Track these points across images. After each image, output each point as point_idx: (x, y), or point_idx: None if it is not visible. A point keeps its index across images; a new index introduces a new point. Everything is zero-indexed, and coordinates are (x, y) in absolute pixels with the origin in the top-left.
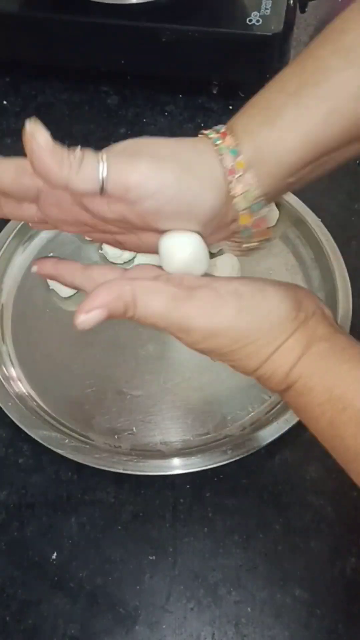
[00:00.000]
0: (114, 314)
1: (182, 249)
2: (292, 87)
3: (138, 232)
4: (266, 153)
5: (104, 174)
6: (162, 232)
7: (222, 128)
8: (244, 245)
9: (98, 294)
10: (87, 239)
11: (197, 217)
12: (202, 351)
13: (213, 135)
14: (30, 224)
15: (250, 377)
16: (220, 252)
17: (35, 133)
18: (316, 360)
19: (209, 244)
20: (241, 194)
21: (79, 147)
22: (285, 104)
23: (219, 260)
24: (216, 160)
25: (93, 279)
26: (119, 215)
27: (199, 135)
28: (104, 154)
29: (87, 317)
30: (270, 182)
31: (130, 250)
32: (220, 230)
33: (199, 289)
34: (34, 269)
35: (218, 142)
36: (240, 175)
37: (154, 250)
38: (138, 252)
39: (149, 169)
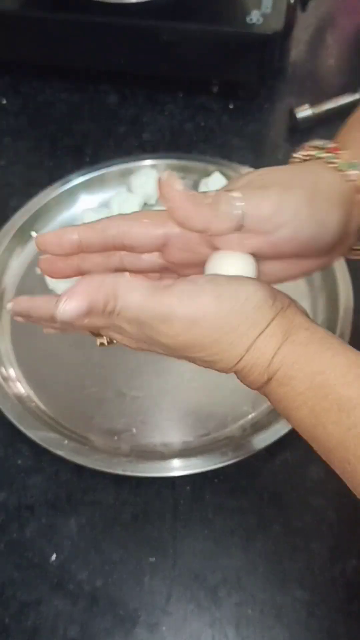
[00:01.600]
0: (95, 306)
1: (226, 269)
2: None
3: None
4: None
5: (243, 209)
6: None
7: (329, 144)
8: None
9: (79, 283)
10: None
11: (329, 237)
12: (183, 345)
13: (323, 155)
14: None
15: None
16: None
17: (172, 182)
18: (297, 348)
19: (329, 263)
20: None
21: (209, 192)
22: None
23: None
24: (337, 177)
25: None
26: (250, 249)
27: (302, 158)
28: (235, 191)
29: (67, 304)
30: None
31: None
32: (344, 244)
33: (177, 282)
34: (9, 306)
35: (335, 160)
36: None
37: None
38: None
39: (280, 198)
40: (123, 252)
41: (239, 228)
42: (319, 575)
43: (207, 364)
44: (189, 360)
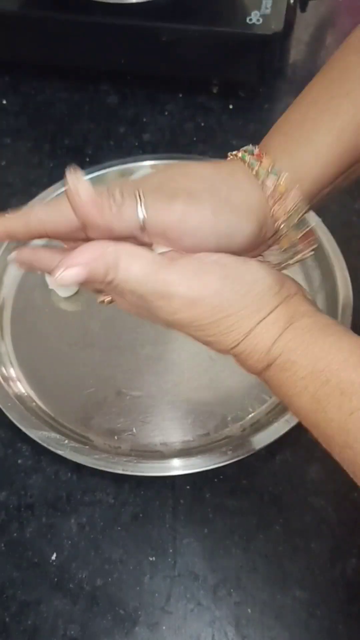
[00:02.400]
0: (95, 275)
1: None
2: (323, 100)
3: None
4: (304, 171)
5: (144, 215)
6: None
7: (256, 149)
8: (291, 261)
9: (80, 251)
10: None
11: (236, 246)
12: (180, 323)
13: (248, 158)
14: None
15: (242, 373)
16: None
17: (78, 187)
18: (299, 334)
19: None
20: (286, 218)
21: (118, 190)
22: (319, 118)
23: None
24: (254, 186)
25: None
26: (163, 247)
27: (230, 157)
28: (141, 194)
29: (66, 273)
30: (310, 197)
31: None
32: (258, 248)
33: (182, 257)
34: (13, 255)
35: (255, 166)
36: (281, 199)
37: None
38: None
39: (185, 209)
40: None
41: (143, 229)
42: (319, 575)
43: (204, 342)
44: (186, 334)
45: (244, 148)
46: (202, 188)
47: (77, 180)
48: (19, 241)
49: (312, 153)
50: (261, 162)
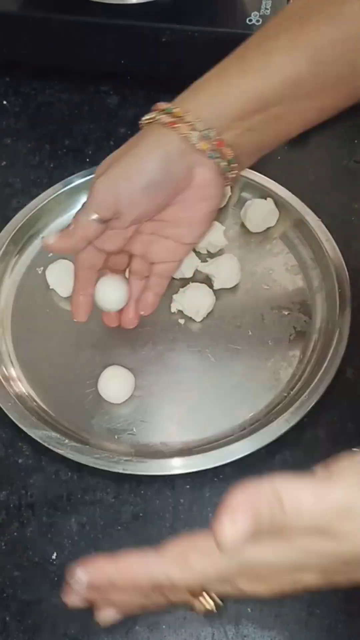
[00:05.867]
0: (260, 520)
1: (104, 290)
2: (236, 52)
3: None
4: (207, 105)
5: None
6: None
7: (174, 108)
8: (229, 175)
9: (234, 495)
10: None
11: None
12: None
13: (168, 119)
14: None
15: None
16: (221, 252)
17: (49, 243)
18: None
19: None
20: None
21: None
22: (230, 66)
23: (219, 260)
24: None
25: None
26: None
27: (147, 121)
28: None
29: (231, 529)
30: (218, 123)
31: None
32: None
33: (333, 468)
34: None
35: (186, 130)
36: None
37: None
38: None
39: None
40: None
41: (101, 230)
42: None
43: None
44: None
45: (158, 107)
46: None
47: (48, 241)
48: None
49: (220, 93)
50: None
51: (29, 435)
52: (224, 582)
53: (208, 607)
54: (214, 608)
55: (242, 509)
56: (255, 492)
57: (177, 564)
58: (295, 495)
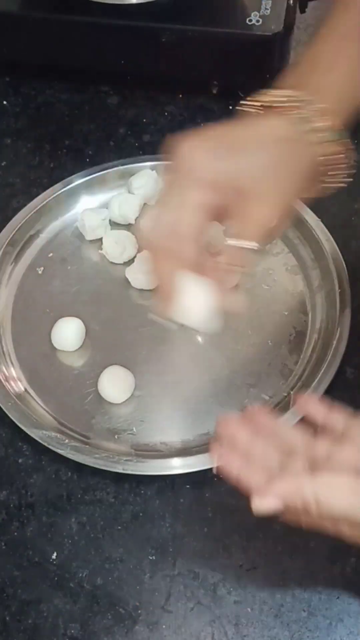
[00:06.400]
0: (291, 507)
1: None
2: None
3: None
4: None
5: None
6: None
7: (303, 96)
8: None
9: (277, 481)
10: (87, 238)
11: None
12: None
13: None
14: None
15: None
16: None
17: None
18: None
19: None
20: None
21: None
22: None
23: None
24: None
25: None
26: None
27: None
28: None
29: (262, 502)
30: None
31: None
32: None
33: None
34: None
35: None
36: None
37: None
38: None
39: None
40: None
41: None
42: (318, 574)
43: None
44: None
45: (277, 93)
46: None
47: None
48: None
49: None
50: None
51: (29, 435)
52: None
53: None
54: None
55: (275, 495)
56: (294, 488)
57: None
58: (331, 497)
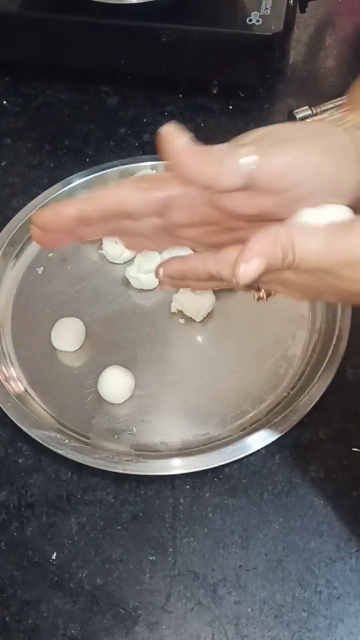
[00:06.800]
0: (274, 262)
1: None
2: None
3: (265, 224)
4: None
5: (252, 162)
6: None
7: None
8: None
9: (255, 241)
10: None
11: (346, 191)
12: None
13: (334, 116)
14: (127, 246)
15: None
16: None
17: (175, 136)
18: None
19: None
20: None
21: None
22: None
23: None
24: (348, 139)
25: (228, 259)
26: (259, 209)
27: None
28: (246, 146)
29: (248, 266)
30: None
31: None
32: None
33: (356, 220)
34: (160, 271)
35: (345, 121)
36: None
37: None
38: None
39: (298, 153)
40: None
41: (247, 186)
42: (318, 574)
43: None
44: None
45: (324, 108)
46: (305, 134)
47: (174, 131)
48: (89, 224)
49: None
50: (347, 118)
51: (29, 435)
52: (268, 284)
53: (262, 295)
54: (264, 296)
55: (258, 254)
56: (272, 239)
57: (227, 265)
58: (307, 244)
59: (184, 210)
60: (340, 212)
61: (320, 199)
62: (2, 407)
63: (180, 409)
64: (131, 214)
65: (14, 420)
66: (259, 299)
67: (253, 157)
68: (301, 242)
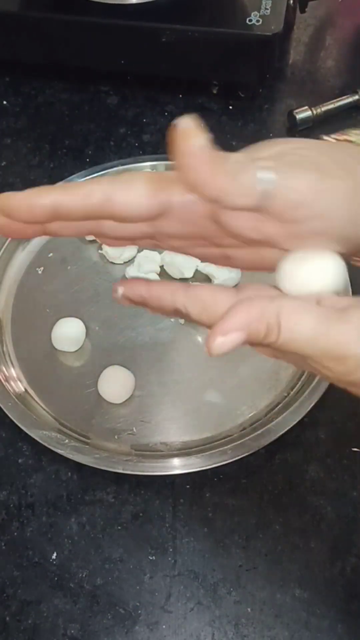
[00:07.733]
0: (254, 338)
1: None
2: None
3: (261, 248)
4: None
5: (272, 181)
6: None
7: None
8: None
9: (236, 312)
10: (88, 238)
11: (355, 238)
12: (352, 383)
13: None
14: (106, 241)
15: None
16: None
17: (191, 133)
18: None
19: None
20: None
21: (234, 154)
22: None
23: None
24: None
25: (200, 299)
26: (263, 236)
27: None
28: (265, 160)
29: (225, 340)
30: None
31: (239, 267)
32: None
33: (351, 309)
34: (120, 290)
35: None
36: None
37: (269, 268)
38: (248, 269)
39: (321, 184)
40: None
41: (259, 208)
42: (318, 574)
43: None
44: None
45: (347, 132)
46: (331, 164)
47: (192, 126)
48: (67, 220)
49: None
50: None
51: (29, 435)
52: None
53: None
54: None
55: (238, 328)
56: (258, 314)
57: (197, 305)
58: (295, 327)
59: (178, 220)
60: (333, 266)
61: (327, 240)
62: (2, 407)
63: (180, 409)
64: (121, 217)
65: (14, 420)
66: None
67: (272, 175)
68: (289, 325)
